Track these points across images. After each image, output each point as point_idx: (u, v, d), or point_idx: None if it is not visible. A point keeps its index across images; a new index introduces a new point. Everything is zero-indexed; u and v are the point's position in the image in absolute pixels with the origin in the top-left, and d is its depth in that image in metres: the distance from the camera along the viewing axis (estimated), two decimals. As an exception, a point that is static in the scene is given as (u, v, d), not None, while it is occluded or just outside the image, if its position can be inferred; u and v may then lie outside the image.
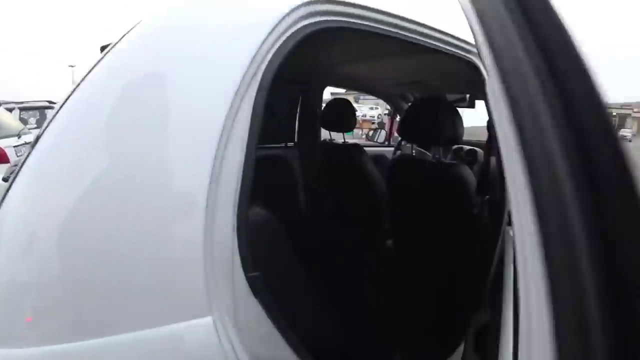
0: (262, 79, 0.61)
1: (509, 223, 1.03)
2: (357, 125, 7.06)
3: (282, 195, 2.19)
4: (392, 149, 2.68)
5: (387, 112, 2.86)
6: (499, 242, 1.12)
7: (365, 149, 2.30)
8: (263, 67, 0.61)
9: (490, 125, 1.12)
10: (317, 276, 1.26)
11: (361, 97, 8.85)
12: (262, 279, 0.62)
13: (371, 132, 3.10)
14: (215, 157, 0.55)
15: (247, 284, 0.61)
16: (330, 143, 2.07)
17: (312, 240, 1.68)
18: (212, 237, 0.55)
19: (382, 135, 2.82)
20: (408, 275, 1.39)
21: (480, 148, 2.22)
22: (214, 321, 0.56)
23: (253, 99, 0.60)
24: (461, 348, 1.28)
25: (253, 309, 0.64)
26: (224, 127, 0.56)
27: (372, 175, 1.77)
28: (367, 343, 1.08)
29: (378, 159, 2.35)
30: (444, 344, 1.31)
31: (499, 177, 1.10)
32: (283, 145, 2.26)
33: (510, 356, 0.50)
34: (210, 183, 0.54)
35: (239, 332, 0.61)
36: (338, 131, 1.91)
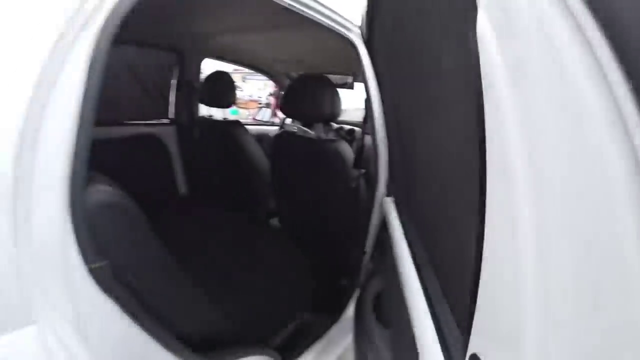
0: (102, 31, 0.48)
1: (388, 194, 1.13)
2: (243, 106, 6.79)
3: (156, 176, 1.96)
4: (277, 128, 2.66)
5: (272, 92, 2.80)
6: (375, 212, 1.22)
7: (250, 127, 2.23)
8: (100, 16, 0.48)
9: (367, 105, 1.18)
10: (196, 260, 1.17)
11: (248, 76, 8.52)
12: (111, 270, 0.52)
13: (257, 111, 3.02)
14: (25, 125, 0.41)
15: (90, 278, 0.50)
16: (209, 119, 1.91)
17: (192, 222, 1.56)
18: (29, 226, 0.42)
19: (266, 113, 2.77)
20: (293, 251, 1.41)
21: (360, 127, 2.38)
22: (39, 330, 0.44)
23: (89, 53, 0.47)
24: (348, 312, 1.38)
25: (102, 307, 0.53)
26: (39, 85, 0.42)
27: (255, 153, 1.72)
28: (254, 323, 1.06)
29: (262, 138, 2.30)
30: (331, 310, 1.39)
31: (373, 153, 1.18)
32: (156, 122, 2.01)
33: (430, 328, 0.53)
34: (17, 157, 0.40)
35: (83, 337, 0.50)
36: (218, 106, 1.77)
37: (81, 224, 0.47)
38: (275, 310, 1.16)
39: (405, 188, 0.95)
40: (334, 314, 1.38)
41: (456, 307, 0.51)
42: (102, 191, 0.52)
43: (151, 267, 0.63)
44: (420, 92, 0.68)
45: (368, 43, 1.14)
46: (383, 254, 0.99)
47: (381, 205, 1.17)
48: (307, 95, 1.25)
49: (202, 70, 2.10)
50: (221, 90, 1.71)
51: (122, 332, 0.57)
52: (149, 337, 0.62)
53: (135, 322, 0.58)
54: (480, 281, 0.35)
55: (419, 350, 0.53)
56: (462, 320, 0.44)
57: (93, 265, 0.49)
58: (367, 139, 1.23)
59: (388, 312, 0.83)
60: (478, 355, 0.36)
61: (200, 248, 1.31)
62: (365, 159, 1.28)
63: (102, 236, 0.51)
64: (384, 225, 1.08)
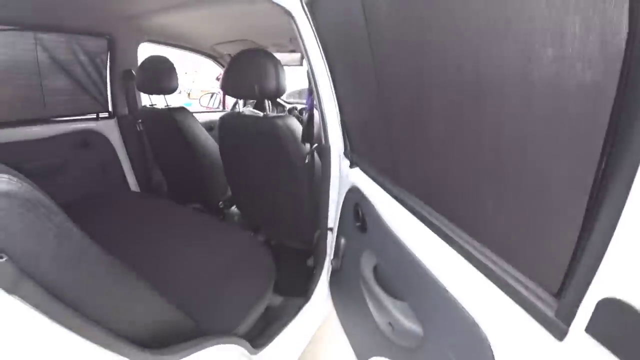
0: None
1: (351, 165, 1.08)
2: (197, 97, 6.51)
3: (102, 173, 1.83)
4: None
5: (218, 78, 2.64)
6: (333, 186, 1.18)
7: (200, 115, 2.12)
8: None
9: (310, 76, 1.13)
10: (146, 253, 1.09)
11: (202, 65, 8.15)
12: (14, 267, 0.45)
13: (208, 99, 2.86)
14: None
15: None
16: (152, 108, 1.78)
17: (143, 216, 1.46)
18: None
19: (217, 99, 2.65)
20: (250, 236, 1.35)
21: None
22: None
23: None
24: (318, 293, 1.35)
25: (8, 309, 0.46)
26: None
27: (204, 139, 1.62)
28: (215, 313, 1.01)
29: (213, 125, 2.20)
30: (299, 292, 1.36)
31: (321, 126, 1.14)
32: (94, 116, 1.85)
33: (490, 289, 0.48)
34: None
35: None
36: (158, 93, 1.65)
37: None
38: (235, 298, 1.11)
39: (386, 158, 0.87)
40: (303, 296, 1.35)
41: (524, 260, 0.46)
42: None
43: (73, 262, 0.56)
44: (415, 68, 0.60)
45: (311, 6, 1.05)
46: (364, 228, 0.94)
47: (342, 178, 1.13)
48: (248, 70, 1.18)
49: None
50: (159, 75, 1.59)
51: (38, 334, 0.51)
52: (78, 337, 0.55)
53: (56, 322, 0.52)
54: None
55: (480, 319, 0.50)
56: (548, 271, 0.41)
57: None
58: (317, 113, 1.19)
59: (398, 284, 0.79)
60: (616, 297, 0.31)
61: (152, 242, 1.23)
62: (317, 134, 1.24)
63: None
64: (352, 197, 1.03)
